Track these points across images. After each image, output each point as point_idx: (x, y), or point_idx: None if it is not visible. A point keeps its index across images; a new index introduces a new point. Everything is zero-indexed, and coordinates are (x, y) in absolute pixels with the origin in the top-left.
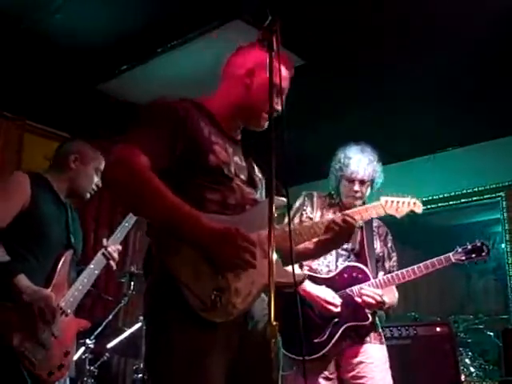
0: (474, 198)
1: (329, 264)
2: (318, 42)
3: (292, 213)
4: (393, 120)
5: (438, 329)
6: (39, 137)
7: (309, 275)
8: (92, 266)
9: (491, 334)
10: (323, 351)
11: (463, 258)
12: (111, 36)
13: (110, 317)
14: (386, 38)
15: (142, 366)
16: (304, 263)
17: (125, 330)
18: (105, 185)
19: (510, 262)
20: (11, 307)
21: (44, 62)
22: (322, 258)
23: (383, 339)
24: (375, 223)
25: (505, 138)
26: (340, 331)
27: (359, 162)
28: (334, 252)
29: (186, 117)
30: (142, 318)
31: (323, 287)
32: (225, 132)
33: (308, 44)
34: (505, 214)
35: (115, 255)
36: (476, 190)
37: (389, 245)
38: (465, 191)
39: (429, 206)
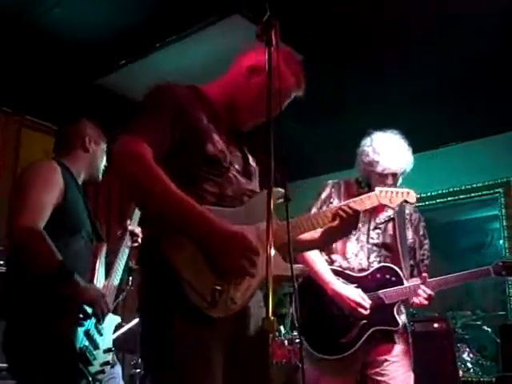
0: (473, 195)
1: (361, 261)
2: (316, 37)
3: (318, 204)
4: (392, 116)
5: (435, 325)
6: (37, 132)
7: (340, 272)
8: (120, 260)
9: (489, 329)
10: (348, 352)
11: (504, 272)
12: (110, 31)
13: (112, 306)
14: (385, 34)
15: (139, 361)
16: (334, 260)
17: (123, 325)
18: (115, 175)
19: (508, 258)
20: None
21: (42, 57)
22: (352, 255)
23: (410, 339)
24: (407, 211)
25: (503, 134)
26: (367, 334)
27: (390, 156)
28: (365, 248)
29: (185, 103)
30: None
31: (353, 287)
32: (222, 120)
33: (307, 39)
34: (503, 211)
35: (138, 231)
36: (474, 186)
37: (421, 232)
38: (463, 187)
39: (427, 203)
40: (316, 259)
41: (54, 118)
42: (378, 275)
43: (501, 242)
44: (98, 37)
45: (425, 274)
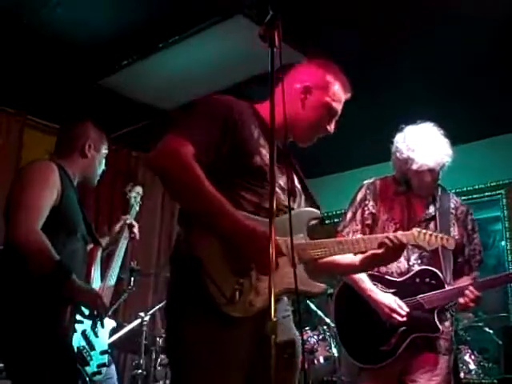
0: (475, 196)
1: (399, 265)
2: (319, 38)
3: (353, 207)
4: (393, 117)
5: None
6: (40, 132)
7: (378, 278)
8: (117, 257)
9: (491, 331)
10: (388, 361)
11: None
12: (112, 31)
13: (110, 312)
14: (386, 35)
15: (141, 361)
16: None
17: (125, 326)
18: (153, 171)
19: (510, 259)
20: (71, 308)
21: (45, 57)
22: None
23: (453, 347)
24: (452, 205)
25: (505, 135)
26: (407, 341)
27: (425, 151)
28: (405, 250)
29: (238, 116)
30: (141, 314)
31: (389, 294)
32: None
33: (309, 39)
34: (505, 212)
35: (135, 224)
36: (476, 187)
37: (469, 227)
38: (465, 189)
39: None
40: None
41: (56, 118)
42: (418, 279)
43: (503, 243)
44: (101, 37)
45: (475, 273)
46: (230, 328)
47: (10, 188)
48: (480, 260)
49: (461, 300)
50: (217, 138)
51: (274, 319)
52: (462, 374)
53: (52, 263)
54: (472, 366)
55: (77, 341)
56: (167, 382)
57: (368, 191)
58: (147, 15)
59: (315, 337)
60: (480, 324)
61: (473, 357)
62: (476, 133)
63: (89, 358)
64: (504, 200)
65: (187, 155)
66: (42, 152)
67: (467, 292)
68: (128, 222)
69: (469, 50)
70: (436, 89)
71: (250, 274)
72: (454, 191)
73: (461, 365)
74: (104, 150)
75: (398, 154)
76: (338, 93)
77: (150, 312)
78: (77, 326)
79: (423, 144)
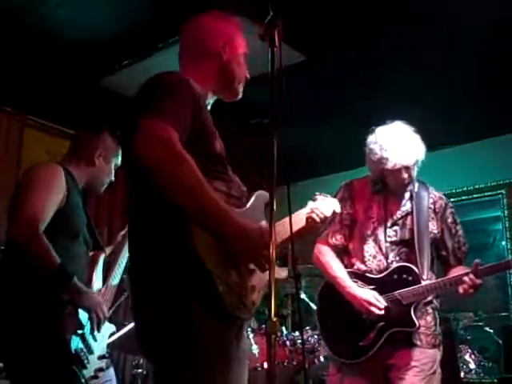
0: (475, 196)
1: (379, 263)
2: (319, 38)
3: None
4: (394, 118)
5: None
6: (40, 132)
7: (358, 275)
8: (120, 262)
9: (491, 331)
10: (367, 355)
11: None
12: (113, 31)
13: (110, 312)
14: (387, 35)
15: (141, 361)
16: (353, 264)
17: (125, 326)
18: (139, 162)
19: (510, 259)
20: (70, 311)
21: (45, 57)
22: (370, 257)
23: (437, 341)
24: (430, 200)
25: (506, 135)
26: (385, 336)
27: (398, 149)
28: (383, 247)
29: (198, 98)
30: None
31: (368, 289)
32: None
33: (309, 40)
34: (505, 212)
35: None
36: (477, 187)
37: (449, 220)
38: (465, 189)
39: None
40: (333, 264)
41: (56, 118)
42: (395, 276)
43: (503, 243)
44: (101, 37)
45: (477, 261)
46: (231, 326)
47: (10, 187)
48: (466, 251)
49: (460, 289)
50: (190, 120)
51: (274, 319)
52: (462, 374)
53: (53, 265)
54: (472, 366)
55: (75, 343)
56: None
57: (346, 192)
58: (147, 15)
59: (315, 336)
60: (480, 323)
61: (473, 356)
62: (476, 133)
63: (86, 361)
64: (504, 200)
65: (178, 143)
66: (42, 152)
67: (466, 279)
68: None
69: (470, 50)
70: (438, 89)
71: (244, 273)
72: (454, 191)
73: (461, 364)
74: (114, 162)
75: (371, 156)
76: (244, 38)
77: None
78: (77, 328)
79: (396, 142)
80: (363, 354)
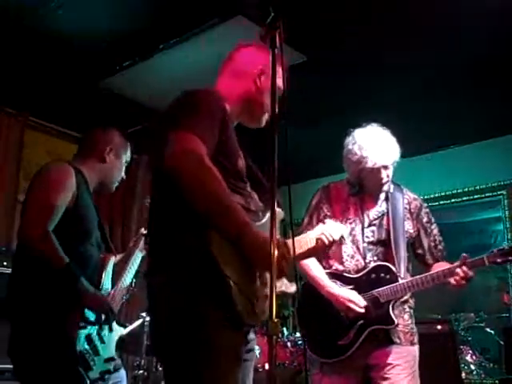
0: (476, 196)
1: (357, 263)
2: (320, 39)
3: (310, 211)
4: (394, 118)
5: (438, 327)
6: (41, 133)
7: (337, 276)
8: (131, 266)
9: (492, 332)
10: (346, 354)
11: (499, 260)
12: (113, 32)
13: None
14: (387, 36)
15: (142, 362)
16: (331, 265)
17: (126, 327)
18: (171, 172)
19: (491, 253)
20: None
21: (46, 58)
22: (348, 258)
23: (415, 339)
24: (406, 200)
25: (507, 136)
26: (364, 334)
27: (378, 148)
28: (361, 248)
29: (227, 117)
30: (143, 314)
31: (346, 289)
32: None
33: (310, 40)
34: (506, 212)
35: None
36: (478, 188)
37: (424, 220)
38: (466, 189)
39: (430, 204)
40: (312, 265)
41: (57, 119)
42: (373, 275)
43: (504, 243)
44: (102, 38)
45: (464, 254)
46: (241, 334)
47: (10, 188)
48: (442, 249)
49: (451, 280)
50: (217, 139)
51: (275, 320)
52: (463, 375)
53: (60, 264)
54: (473, 367)
55: (80, 344)
56: None
57: (323, 195)
58: (148, 16)
59: None
60: (481, 324)
61: (474, 357)
62: (477, 134)
63: (92, 363)
64: (505, 201)
65: (206, 157)
66: (43, 152)
67: (459, 271)
68: (145, 232)
69: (471, 50)
70: (438, 90)
71: (266, 283)
72: (455, 192)
73: (462, 365)
74: (125, 158)
75: (350, 156)
76: (280, 74)
77: None
78: (81, 330)
79: (374, 142)
80: (343, 352)
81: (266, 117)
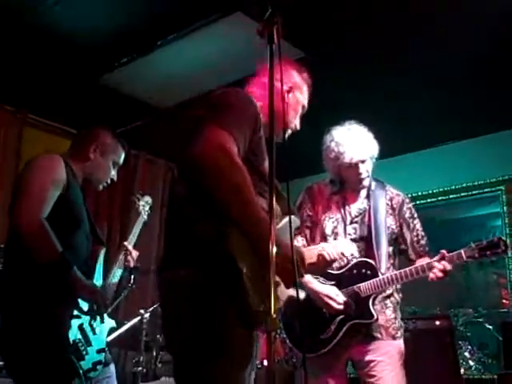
0: (474, 192)
1: (340, 260)
2: (318, 35)
3: (294, 210)
4: (393, 114)
5: (437, 322)
6: (40, 130)
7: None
8: (117, 266)
9: (491, 327)
10: (327, 348)
11: (476, 255)
12: (112, 29)
13: (110, 310)
14: (386, 33)
15: (141, 358)
16: None
17: (125, 323)
18: (198, 166)
19: (509, 255)
20: (69, 302)
21: (45, 55)
22: None
23: (398, 334)
24: (388, 196)
25: (505, 131)
26: (345, 328)
27: (354, 143)
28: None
29: (259, 121)
30: (141, 311)
31: (328, 285)
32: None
33: (308, 36)
34: (505, 208)
35: (134, 254)
36: (476, 183)
37: (406, 215)
38: (465, 185)
39: (428, 200)
40: None
41: (56, 116)
42: (355, 270)
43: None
44: (100, 35)
45: (443, 251)
46: (254, 331)
47: (9, 185)
48: (425, 244)
49: (431, 275)
50: (248, 140)
51: (274, 316)
52: (462, 370)
53: (55, 253)
54: (472, 362)
55: (73, 334)
56: (167, 379)
57: (306, 195)
58: (147, 12)
59: None
60: (480, 320)
61: (473, 352)
62: (476, 129)
63: (84, 353)
64: (504, 196)
65: (235, 153)
66: (42, 150)
67: (437, 265)
68: (129, 247)
69: (470, 47)
70: (436, 86)
71: (278, 285)
72: (453, 187)
73: (461, 360)
74: (113, 158)
75: (328, 153)
76: (307, 93)
77: (150, 309)
78: (74, 319)
79: (350, 138)
80: (323, 346)
81: (288, 132)
